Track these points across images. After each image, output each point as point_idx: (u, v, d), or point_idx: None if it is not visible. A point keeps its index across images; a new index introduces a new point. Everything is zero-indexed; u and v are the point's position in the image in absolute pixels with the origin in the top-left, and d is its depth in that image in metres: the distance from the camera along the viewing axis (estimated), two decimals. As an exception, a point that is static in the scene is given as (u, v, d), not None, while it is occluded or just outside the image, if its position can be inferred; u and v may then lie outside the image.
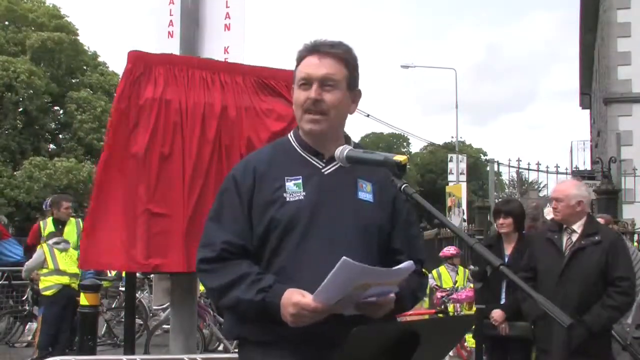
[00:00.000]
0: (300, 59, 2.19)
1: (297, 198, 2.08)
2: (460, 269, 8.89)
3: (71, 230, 8.04)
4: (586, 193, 4.50)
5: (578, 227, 4.39)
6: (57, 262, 7.33)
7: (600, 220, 7.60)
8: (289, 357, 2.01)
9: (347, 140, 2.22)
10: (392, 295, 2.00)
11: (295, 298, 1.92)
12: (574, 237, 4.41)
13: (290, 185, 2.10)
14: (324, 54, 2.14)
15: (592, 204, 13.53)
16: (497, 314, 5.11)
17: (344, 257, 1.80)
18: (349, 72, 2.18)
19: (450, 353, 6.72)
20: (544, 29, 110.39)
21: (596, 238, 4.32)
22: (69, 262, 7.40)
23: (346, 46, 2.20)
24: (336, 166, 2.14)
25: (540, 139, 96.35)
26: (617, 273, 4.22)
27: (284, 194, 2.09)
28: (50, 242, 7.44)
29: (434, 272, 9.04)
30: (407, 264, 1.95)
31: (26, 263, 7.67)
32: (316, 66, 2.13)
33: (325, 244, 2.04)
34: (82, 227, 8.07)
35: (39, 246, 7.74)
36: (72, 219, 8.38)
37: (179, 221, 3.67)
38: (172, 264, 3.68)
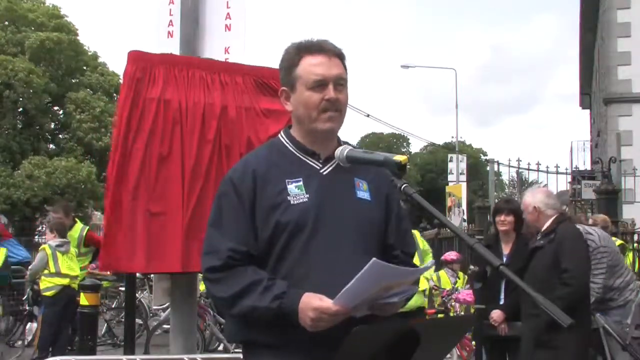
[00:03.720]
0: (297, 59, 2.14)
1: (300, 200, 2.07)
2: (460, 275, 8.87)
3: (73, 235, 8.06)
4: (540, 197, 4.74)
5: (543, 229, 4.67)
6: (59, 266, 7.34)
7: (589, 221, 7.65)
8: (298, 359, 2.00)
9: (338, 140, 2.22)
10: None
11: (315, 303, 1.90)
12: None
13: (292, 187, 2.08)
14: (330, 53, 2.14)
15: (586, 204, 13.56)
16: (496, 314, 5.12)
17: (374, 259, 1.80)
18: (347, 71, 2.19)
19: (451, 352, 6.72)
20: (549, 31, 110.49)
21: (551, 236, 4.57)
22: (70, 264, 7.42)
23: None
24: (333, 166, 2.14)
25: (541, 139, 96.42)
26: (562, 265, 4.43)
27: (287, 197, 2.07)
28: (53, 244, 7.45)
29: (434, 275, 9.05)
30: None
31: (30, 267, 7.68)
32: (328, 66, 2.11)
33: (330, 245, 2.03)
34: (85, 232, 8.13)
35: (40, 248, 7.74)
36: (79, 224, 8.42)
37: (177, 221, 3.67)
38: (169, 264, 3.68)
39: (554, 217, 4.68)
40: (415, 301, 5.84)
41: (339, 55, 2.16)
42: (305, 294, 1.94)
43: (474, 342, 7.15)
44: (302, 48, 2.15)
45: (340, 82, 2.12)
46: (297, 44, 2.18)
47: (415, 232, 6.50)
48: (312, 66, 2.11)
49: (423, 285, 6.48)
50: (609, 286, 5.55)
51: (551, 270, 4.47)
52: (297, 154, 2.16)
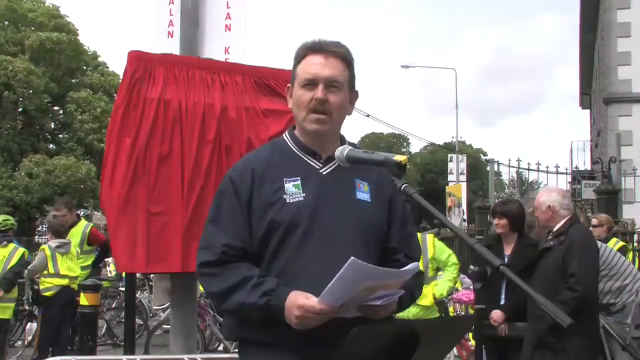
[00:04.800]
0: (301, 58, 2.16)
1: (296, 199, 2.07)
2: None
3: (77, 232, 8.05)
4: (556, 197, 4.68)
5: (555, 230, 4.62)
6: (58, 266, 7.34)
7: (594, 221, 7.66)
8: (291, 357, 2.01)
9: (342, 140, 2.22)
10: (396, 298, 2.00)
11: (301, 301, 1.91)
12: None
13: (289, 186, 2.09)
14: (329, 54, 2.13)
15: (586, 204, 13.56)
16: (496, 314, 5.12)
17: (353, 257, 1.79)
18: (350, 73, 2.18)
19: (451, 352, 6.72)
20: (551, 32, 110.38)
21: (562, 238, 4.53)
22: (69, 264, 7.41)
23: (347, 47, 2.20)
24: (333, 166, 2.14)
25: (541, 140, 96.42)
26: (569, 270, 4.39)
27: (284, 196, 2.08)
28: (53, 245, 7.44)
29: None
30: (412, 266, 1.95)
31: (29, 266, 7.67)
32: (322, 66, 2.11)
33: (326, 245, 2.04)
34: (89, 230, 8.11)
35: (40, 249, 7.74)
36: (83, 221, 8.41)
37: (177, 221, 3.67)
38: (170, 264, 3.68)
39: (567, 218, 4.64)
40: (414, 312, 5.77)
41: (342, 57, 2.15)
42: (293, 292, 1.94)
43: (471, 343, 7.16)
44: (308, 47, 2.17)
45: (332, 84, 2.11)
46: (306, 43, 2.19)
47: (430, 236, 6.23)
48: (307, 65, 2.13)
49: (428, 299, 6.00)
50: (600, 290, 5.48)
51: (559, 272, 4.44)
52: (298, 154, 2.17)
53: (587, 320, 4.38)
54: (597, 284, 4.70)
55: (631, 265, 5.70)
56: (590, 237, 4.86)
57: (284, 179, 2.10)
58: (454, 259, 6.31)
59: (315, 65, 2.11)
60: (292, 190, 2.09)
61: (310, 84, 2.11)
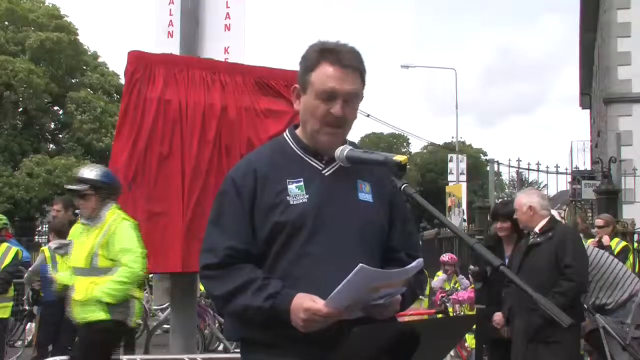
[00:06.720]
0: (315, 64, 2.09)
1: (300, 201, 2.06)
2: (454, 278, 8.85)
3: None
4: (537, 198, 4.89)
5: (538, 228, 4.77)
6: (58, 268, 7.32)
7: (599, 222, 7.65)
8: (292, 357, 2.00)
9: (344, 140, 2.21)
10: (399, 296, 2.01)
11: (307, 304, 1.90)
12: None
13: (292, 188, 2.08)
14: (349, 68, 2.08)
15: (586, 204, 13.55)
16: (498, 317, 5.12)
17: (361, 264, 1.79)
18: (364, 84, 2.16)
19: (451, 352, 6.72)
20: (554, 33, 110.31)
21: (549, 234, 4.69)
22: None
23: (360, 55, 2.15)
24: (335, 167, 2.13)
25: (542, 140, 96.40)
26: (564, 262, 4.55)
27: (287, 197, 2.06)
28: (52, 247, 7.43)
29: (437, 275, 9.07)
30: (416, 263, 1.94)
31: (29, 269, 7.65)
32: (342, 81, 2.06)
33: (329, 247, 2.03)
34: None
35: (40, 251, 7.72)
36: None
37: (177, 221, 3.68)
38: (170, 264, 3.69)
39: (548, 218, 4.80)
40: None
41: (358, 70, 2.11)
42: (298, 294, 1.94)
43: (468, 343, 7.16)
44: (325, 53, 2.10)
45: (350, 99, 2.08)
46: (321, 46, 2.12)
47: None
48: (326, 77, 2.06)
49: None
50: (590, 290, 5.47)
51: (552, 266, 4.57)
52: (300, 154, 2.16)
53: (578, 310, 4.61)
54: (588, 277, 4.91)
55: (620, 264, 5.70)
56: (577, 233, 5.09)
57: (287, 180, 2.09)
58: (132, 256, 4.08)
59: (336, 79, 2.06)
60: (296, 191, 2.07)
61: (329, 97, 2.07)
